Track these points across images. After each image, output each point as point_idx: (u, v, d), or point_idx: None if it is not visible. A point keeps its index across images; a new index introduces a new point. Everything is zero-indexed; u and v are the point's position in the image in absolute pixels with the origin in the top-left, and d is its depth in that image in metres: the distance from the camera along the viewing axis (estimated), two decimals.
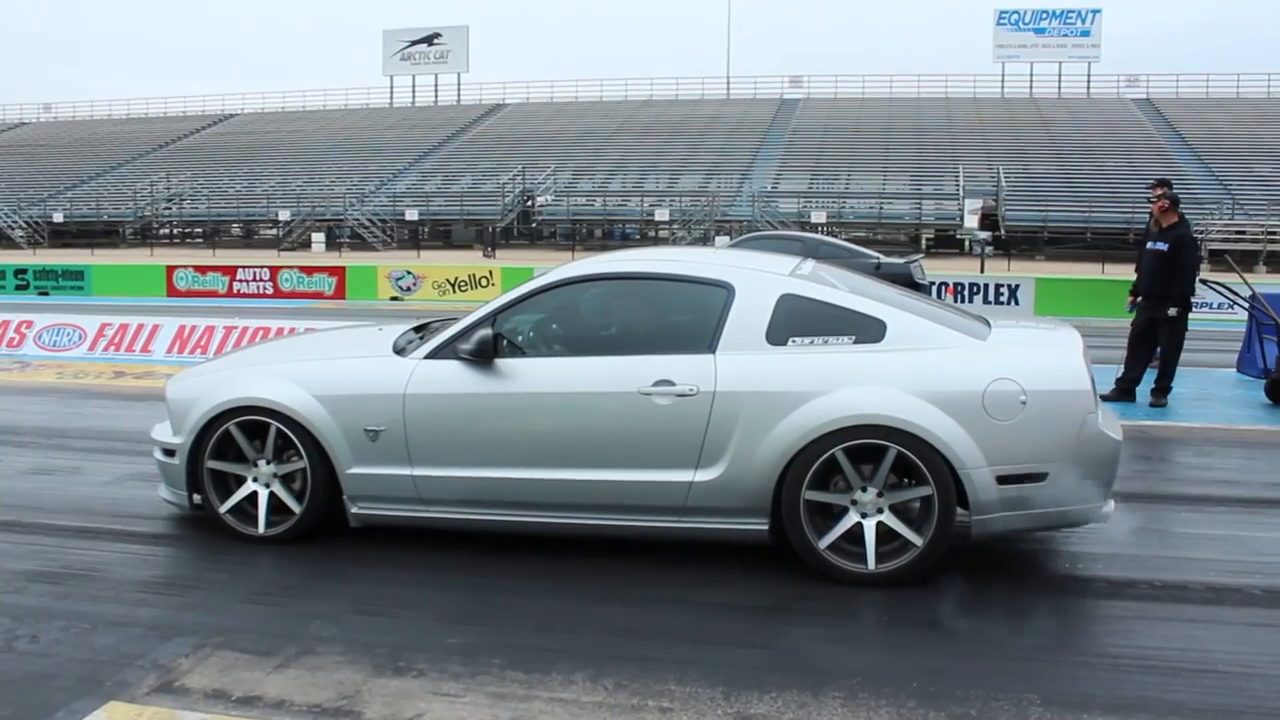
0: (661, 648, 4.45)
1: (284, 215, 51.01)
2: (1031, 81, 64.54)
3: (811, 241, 17.08)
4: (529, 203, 50.14)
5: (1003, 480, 5.02)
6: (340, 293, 22.89)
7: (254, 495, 5.81)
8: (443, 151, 60.71)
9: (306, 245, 48.33)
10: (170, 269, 25.78)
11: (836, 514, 5.19)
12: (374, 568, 5.47)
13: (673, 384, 5.23)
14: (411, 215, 49.94)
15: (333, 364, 6.03)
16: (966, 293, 21.56)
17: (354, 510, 5.71)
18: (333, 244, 47.70)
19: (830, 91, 65.29)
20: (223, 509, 5.82)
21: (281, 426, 5.67)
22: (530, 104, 69.18)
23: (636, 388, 5.27)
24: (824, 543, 5.14)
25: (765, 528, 5.25)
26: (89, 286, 25.30)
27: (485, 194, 51.67)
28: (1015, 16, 64.85)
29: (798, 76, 66.99)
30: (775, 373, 5.22)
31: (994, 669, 4.29)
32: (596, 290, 5.99)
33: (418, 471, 5.56)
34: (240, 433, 5.76)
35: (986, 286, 21.99)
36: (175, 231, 57.24)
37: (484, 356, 5.45)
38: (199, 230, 56.27)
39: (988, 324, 5.78)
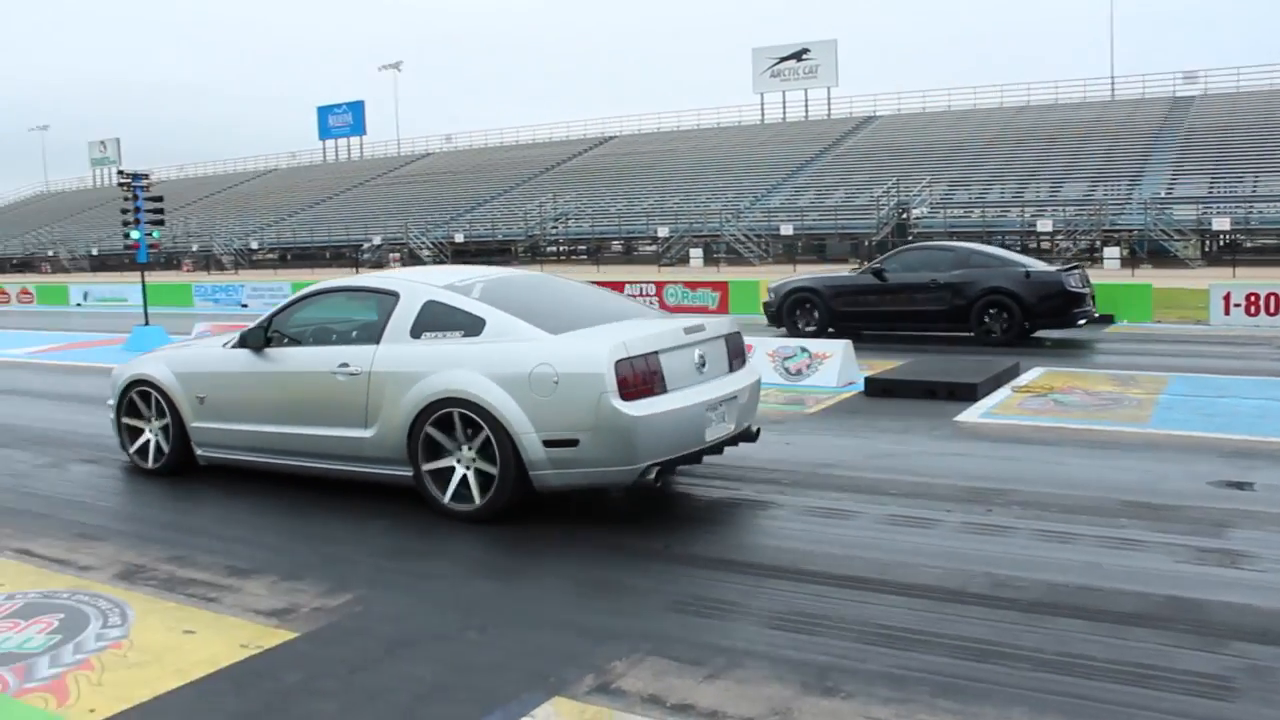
0: (1102, 688, 4.21)
1: (663, 232, 52.94)
2: None
3: (964, 251, 17.44)
4: (904, 215, 49.36)
5: (548, 444, 6.36)
6: (724, 306, 23.39)
7: (147, 442, 8.45)
8: (815, 166, 60.96)
9: (685, 261, 49.96)
10: None
11: (448, 468, 6.80)
12: (790, 581, 5.53)
13: (348, 366, 7.15)
14: (786, 230, 50.44)
15: (187, 350, 8.68)
16: None
17: (198, 453, 8.16)
18: (710, 259, 49.03)
19: (1232, 86, 60.00)
20: (131, 450, 8.55)
21: (155, 394, 8.25)
22: (901, 115, 68.09)
23: (328, 369, 7.25)
24: (446, 491, 6.82)
25: (410, 474, 6.95)
26: None
27: (859, 207, 51.38)
28: None
29: (1192, 72, 61.87)
30: (409, 358, 6.93)
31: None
32: (322, 300, 8.02)
33: (222, 425, 7.91)
34: (138, 398, 8.45)
35: None
36: (561, 249, 60.65)
37: (257, 347, 7.72)
38: (583, 247, 59.42)
39: (630, 318, 7.29)
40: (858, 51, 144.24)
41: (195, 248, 68.92)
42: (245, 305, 32.05)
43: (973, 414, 10.21)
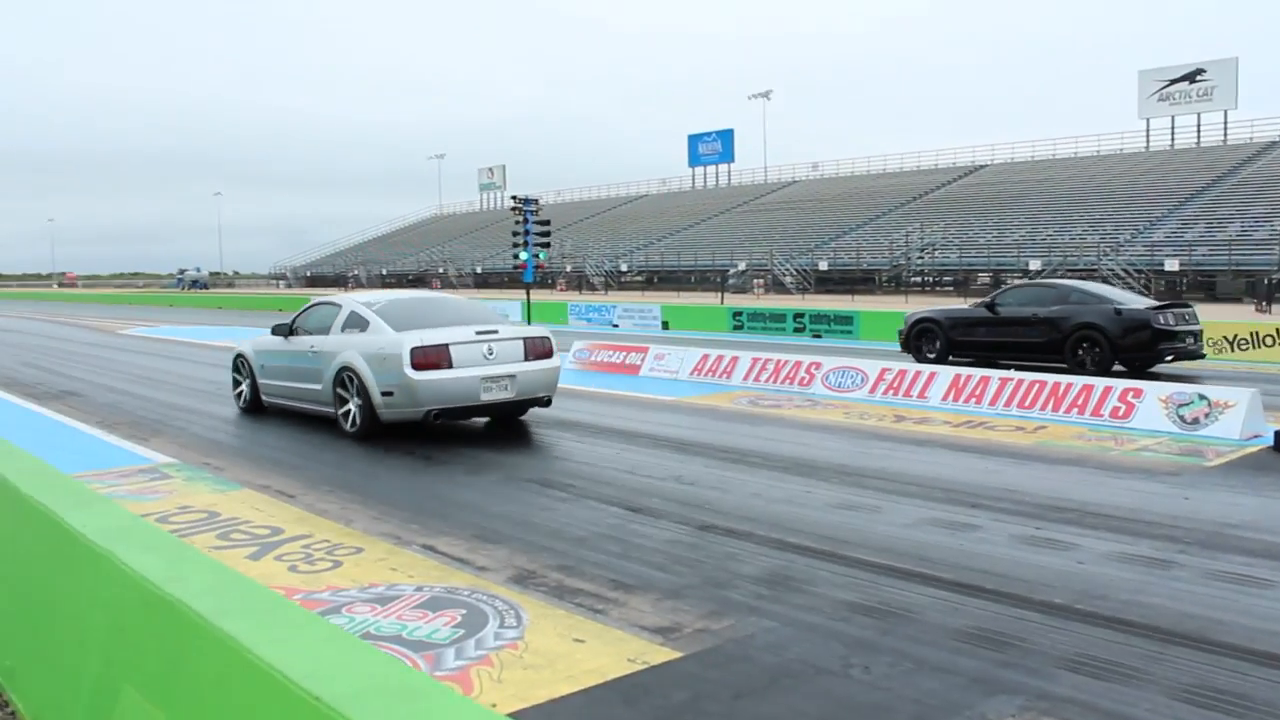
0: None
1: (1034, 265, 50.72)
2: None
3: (1065, 288, 18.55)
4: None
5: (383, 393, 10.78)
6: None
7: (241, 391, 13.70)
8: (1207, 196, 56.48)
9: None
10: None
11: (347, 409, 11.37)
12: (1198, 651, 5.06)
13: (313, 347, 11.90)
14: (1170, 265, 47.03)
15: (260, 337, 13.45)
16: None
17: (263, 399, 13.18)
18: None
19: None
20: (233, 393, 14.06)
21: (246, 363, 13.43)
22: None
23: (306, 349, 12.02)
24: (346, 420, 11.36)
25: (334, 412, 11.61)
26: (856, 331, 26.98)
27: (1257, 241, 47.16)
28: None
29: None
30: (335, 343, 11.54)
31: None
32: (317, 307, 12.69)
33: (270, 382, 12.94)
34: (238, 365, 13.66)
35: None
36: (926, 279, 59.42)
37: (284, 335, 12.54)
38: (948, 279, 57.89)
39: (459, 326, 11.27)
40: (1259, 72, 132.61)
41: (569, 268, 72.74)
42: (616, 325, 33.33)
43: None
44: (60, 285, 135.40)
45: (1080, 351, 17.08)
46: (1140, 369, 16.85)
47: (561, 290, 67.09)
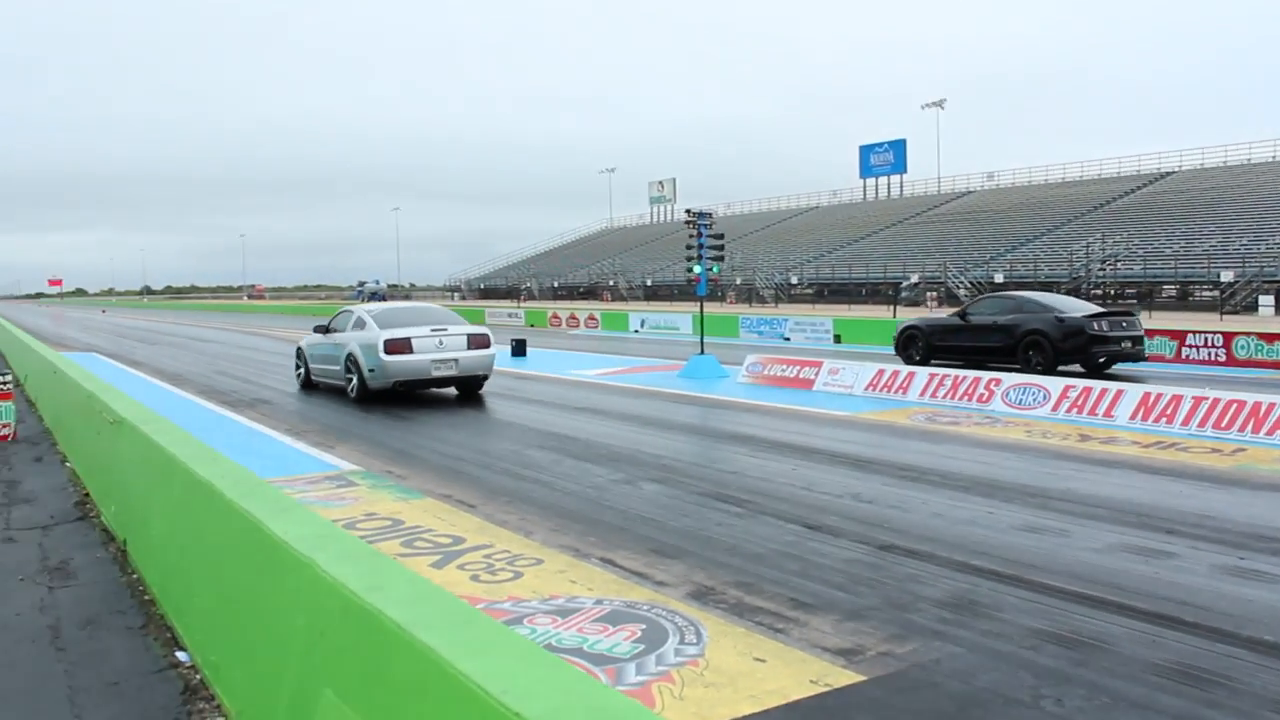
0: None
1: (1226, 276, 48.25)
2: None
3: (1020, 298, 21.20)
4: None
5: (369, 370, 15.88)
6: None
7: (301, 374, 19.24)
8: None
9: (1252, 309, 45.16)
10: None
11: (350, 382, 16.66)
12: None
13: (336, 341, 17.26)
14: None
15: (310, 336, 18.58)
16: None
17: (315, 380, 18.45)
18: None
19: None
20: (295, 374, 19.82)
21: (304, 353, 18.99)
22: None
23: (332, 342, 17.35)
24: (350, 390, 16.72)
25: (344, 384, 17.11)
26: None
27: None
28: None
29: None
30: (346, 338, 16.77)
31: None
32: (341, 315, 17.75)
33: (317, 366, 18.29)
34: (299, 354, 19.42)
35: None
36: (1108, 292, 57.18)
37: (323, 332, 17.77)
38: (1130, 291, 55.59)
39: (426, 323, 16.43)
40: None
41: (738, 281, 72.56)
42: (787, 339, 33.10)
43: None
44: (249, 297, 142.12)
45: (1030, 354, 19.21)
46: (1095, 370, 19.01)
47: (731, 303, 66.92)
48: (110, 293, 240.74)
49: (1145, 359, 20.23)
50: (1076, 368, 18.94)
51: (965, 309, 21.63)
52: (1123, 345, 19.22)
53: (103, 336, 43.82)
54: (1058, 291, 55.99)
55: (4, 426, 12.66)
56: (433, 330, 16.00)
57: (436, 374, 16.00)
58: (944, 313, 30.09)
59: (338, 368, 16.98)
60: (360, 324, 16.60)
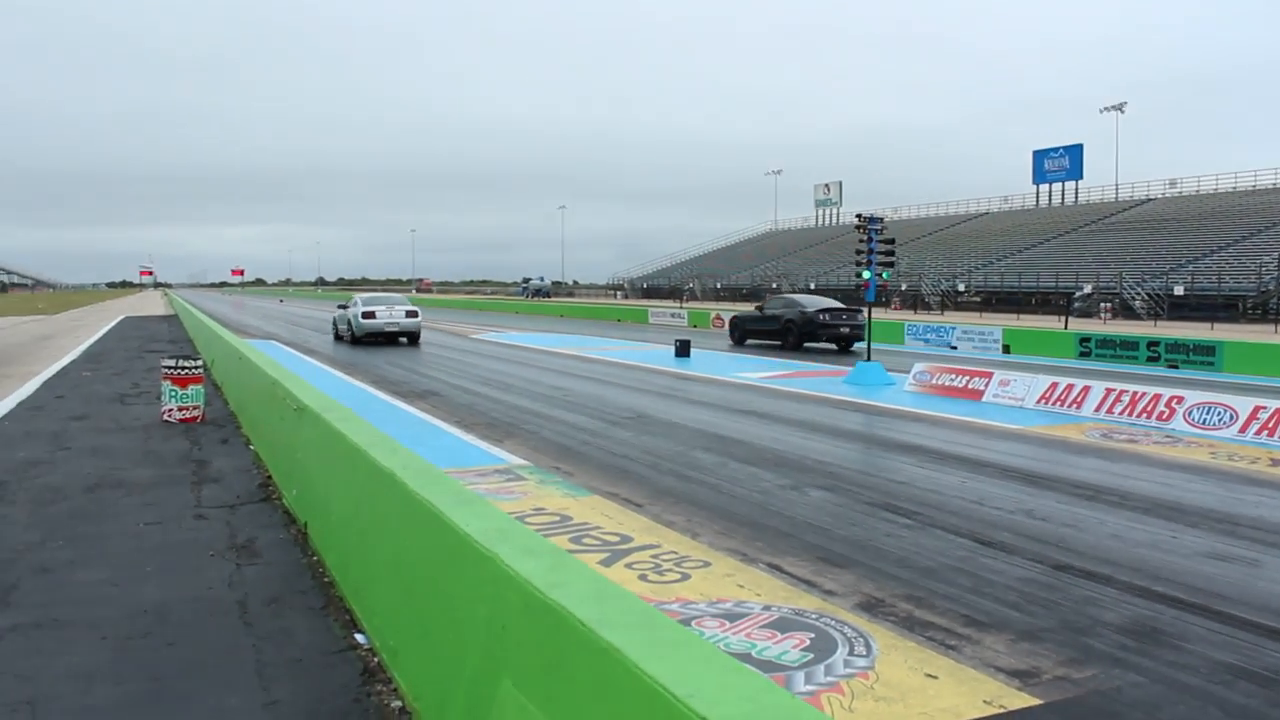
0: None
1: None
2: None
3: (788, 297, 32.99)
4: None
5: (355, 328, 32.19)
6: None
7: (338, 336, 34.81)
8: None
9: None
10: None
11: (349, 335, 33.59)
12: None
13: (346, 314, 33.68)
14: None
15: (339, 311, 35.02)
16: None
17: (339, 335, 34.61)
18: None
19: None
20: (332, 335, 36.29)
21: (337, 322, 35.15)
22: None
23: (346, 314, 33.75)
24: (347, 338, 34.21)
25: (347, 338, 33.39)
26: (1219, 363, 24.87)
27: None
28: None
29: None
30: (347, 314, 33.36)
31: None
32: (350, 301, 34.16)
33: (339, 327, 34.52)
34: (335, 323, 36.19)
35: None
36: None
37: (343, 309, 34.16)
38: None
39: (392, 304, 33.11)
40: None
41: (904, 287, 71.37)
42: (954, 347, 32.40)
43: None
44: (417, 290, 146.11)
45: (788, 336, 29.80)
46: (840, 345, 29.36)
47: (896, 309, 65.84)
48: (288, 283, 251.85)
49: (860, 340, 26.17)
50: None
51: (762, 305, 33.39)
52: (841, 330, 29.14)
53: (280, 324, 45.84)
54: (1242, 307, 53.57)
55: (195, 408, 13.32)
56: (387, 307, 31.51)
57: (388, 330, 31.23)
58: (1117, 325, 32.84)
59: (345, 327, 32.53)
60: (354, 304, 32.37)
